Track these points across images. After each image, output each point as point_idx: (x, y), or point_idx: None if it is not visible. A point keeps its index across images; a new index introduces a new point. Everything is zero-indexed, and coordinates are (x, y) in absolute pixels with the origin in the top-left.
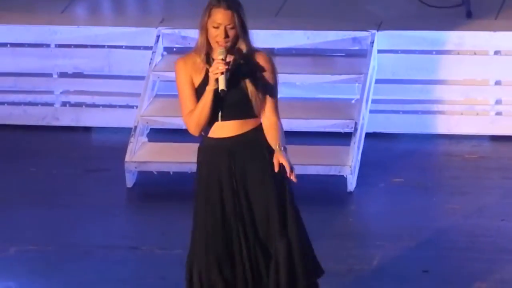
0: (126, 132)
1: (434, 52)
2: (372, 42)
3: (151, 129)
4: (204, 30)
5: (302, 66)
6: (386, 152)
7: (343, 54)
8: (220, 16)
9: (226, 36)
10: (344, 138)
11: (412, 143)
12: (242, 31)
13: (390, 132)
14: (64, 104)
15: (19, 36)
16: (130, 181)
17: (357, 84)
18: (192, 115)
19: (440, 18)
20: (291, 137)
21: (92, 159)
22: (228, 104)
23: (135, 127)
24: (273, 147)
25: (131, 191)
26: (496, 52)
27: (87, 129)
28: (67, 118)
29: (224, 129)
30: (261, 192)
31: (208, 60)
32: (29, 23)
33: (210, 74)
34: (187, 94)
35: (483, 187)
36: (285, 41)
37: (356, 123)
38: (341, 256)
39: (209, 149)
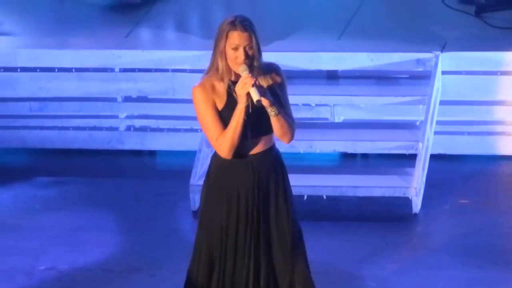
0: (191, 155)
1: (498, 73)
2: (436, 64)
3: None
4: (223, 53)
5: (366, 88)
6: (451, 174)
7: (407, 76)
8: (238, 38)
9: (247, 57)
10: (409, 159)
11: (477, 165)
12: (258, 51)
13: (455, 153)
14: (128, 128)
15: (83, 61)
16: (195, 204)
17: (421, 106)
18: (224, 137)
19: (503, 39)
20: (356, 159)
21: (158, 183)
22: (255, 121)
23: (200, 150)
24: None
25: (196, 214)
26: None
27: (152, 152)
28: (132, 142)
29: (249, 147)
30: (279, 214)
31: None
32: (94, 47)
33: (240, 91)
34: (213, 119)
35: None
36: (348, 63)
37: (420, 145)
38: (407, 278)
39: (231, 167)
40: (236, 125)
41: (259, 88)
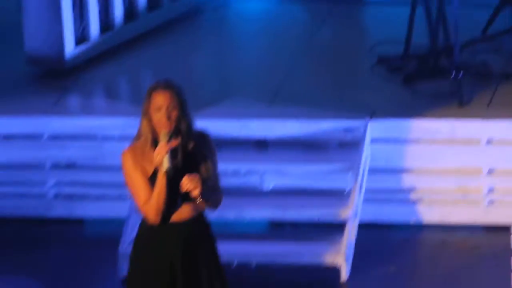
0: (120, 223)
1: (426, 141)
2: (365, 131)
3: None
4: (148, 116)
5: (295, 155)
6: (380, 242)
7: (336, 143)
8: (161, 98)
9: (169, 117)
10: (337, 227)
11: (406, 233)
12: (182, 111)
13: (384, 221)
14: (57, 195)
15: (11, 127)
16: (123, 272)
17: (350, 173)
18: (150, 203)
19: (432, 107)
20: (285, 226)
21: (86, 250)
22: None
23: (129, 217)
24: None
25: (125, 282)
26: (489, 141)
27: (80, 220)
28: (60, 210)
29: (179, 213)
30: (209, 280)
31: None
32: (22, 114)
33: (155, 159)
34: (141, 184)
35: (476, 276)
36: (278, 130)
37: (349, 213)
38: None
39: (159, 233)
40: (159, 191)
41: (174, 158)
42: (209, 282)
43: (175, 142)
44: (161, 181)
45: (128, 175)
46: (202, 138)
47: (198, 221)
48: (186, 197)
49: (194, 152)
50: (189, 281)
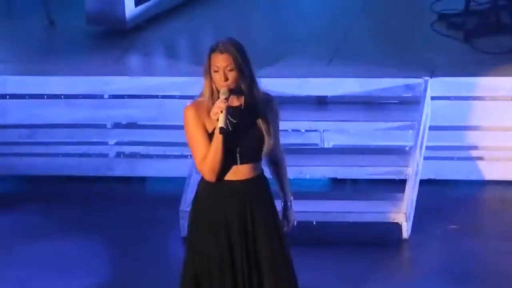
0: (181, 182)
1: (487, 98)
2: (426, 89)
3: None
4: (209, 75)
5: (356, 113)
6: (441, 199)
7: (397, 101)
8: (218, 60)
9: (226, 79)
10: (398, 185)
11: (467, 190)
12: (241, 72)
13: (445, 178)
14: (118, 154)
15: (72, 88)
16: (185, 230)
17: (410, 131)
18: (206, 160)
19: (492, 64)
20: (346, 184)
21: (148, 209)
22: (244, 146)
23: (189, 176)
24: (283, 197)
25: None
26: None
27: (141, 179)
28: (122, 168)
29: (238, 172)
30: (267, 240)
31: None
32: (83, 74)
33: (212, 116)
34: (199, 140)
35: None
36: (337, 89)
37: (410, 170)
38: None
39: (217, 192)
40: (215, 150)
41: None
42: (266, 241)
43: (233, 101)
44: (217, 138)
45: (189, 130)
46: (267, 100)
47: (257, 181)
48: (245, 157)
49: (256, 113)
50: (245, 240)
